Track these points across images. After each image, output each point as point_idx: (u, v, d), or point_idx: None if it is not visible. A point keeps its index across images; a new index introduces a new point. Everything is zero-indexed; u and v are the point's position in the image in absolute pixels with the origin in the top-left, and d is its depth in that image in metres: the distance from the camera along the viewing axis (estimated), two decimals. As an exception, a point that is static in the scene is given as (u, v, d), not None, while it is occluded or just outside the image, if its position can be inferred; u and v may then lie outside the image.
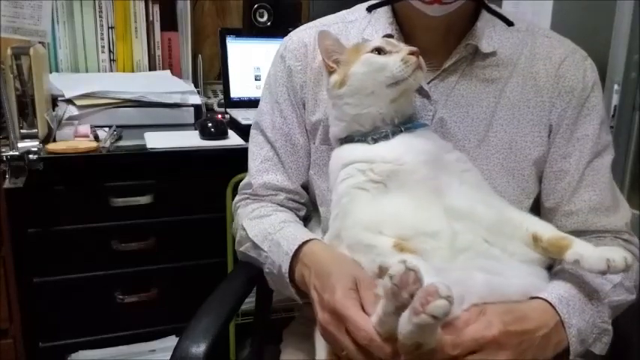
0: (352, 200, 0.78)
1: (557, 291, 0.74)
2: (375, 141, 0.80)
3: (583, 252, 0.70)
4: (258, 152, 0.99)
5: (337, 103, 0.83)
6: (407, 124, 0.81)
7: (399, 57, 0.77)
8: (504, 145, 0.87)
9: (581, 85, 0.88)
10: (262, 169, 0.98)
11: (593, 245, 0.72)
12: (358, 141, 0.81)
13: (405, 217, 0.73)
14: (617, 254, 0.69)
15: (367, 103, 0.80)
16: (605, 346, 0.78)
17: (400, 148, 0.78)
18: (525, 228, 0.75)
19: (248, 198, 1.00)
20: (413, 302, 0.58)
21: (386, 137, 0.80)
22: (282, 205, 0.97)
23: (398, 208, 0.74)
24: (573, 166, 0.87)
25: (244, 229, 0.94)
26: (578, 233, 0.81)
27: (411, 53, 0.77)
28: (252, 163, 1.00)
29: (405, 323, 0.60)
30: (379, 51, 0.79)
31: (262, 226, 0.92)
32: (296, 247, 0.83)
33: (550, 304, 0.73)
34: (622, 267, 0.68)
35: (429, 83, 0.88)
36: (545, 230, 0.75)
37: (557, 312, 0.72)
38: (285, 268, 0.83)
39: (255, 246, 0.91)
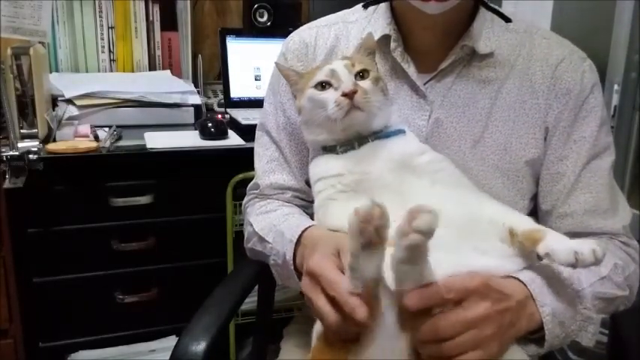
0: (325, 212, 0.82)
1: (531, 274, 0.74)
2: (345, 151, 0.82)
3: (553, 244, 0.68)
4: (263, 153, 1.00)
5: (301, 127, 0.87)
6: (377, 134, 0.82)
7: (334, 97, 0.77)
8: (499, 146, 0.87)
9: (578, 87, 0.87)
10: (269, 169, 0.99)
11: (568, 238, 0.70)
12: (330, 151, 0.84)
13: None
14: (585, 247, 0.66)
15: (319, 132, 0.83)
16: (593, 336, 0.76)
17: (366, 158, 0.80)
18: (502, 223, 0.73)
19: (256, 197, 1.01)
20: (399, 228, 0.59)
21: (353, 148, 0.82)
22: (288, 202, 0.98)
23: None
24: (570, 169, 0.87)
25: (251, 225, 0.95)
26: (574, 235, 0.79)
27: (344, 94, 0.76)
28: (259, 164, 1.01)
29: (393, 260, 0.62)
30: (323, 84, 0.80)
31: (268, 219, 0.93)
32: (299, 233, 0.84)
33: (521, 282, 0.72)
34: (590, 260, 0.66)
35: (425, 84, 0.88)
36: (521, 223, 0.73)
37: (527, 288, 0.72)
38: (290, 256, 0.84)
39: (261, 239, 0.92)
